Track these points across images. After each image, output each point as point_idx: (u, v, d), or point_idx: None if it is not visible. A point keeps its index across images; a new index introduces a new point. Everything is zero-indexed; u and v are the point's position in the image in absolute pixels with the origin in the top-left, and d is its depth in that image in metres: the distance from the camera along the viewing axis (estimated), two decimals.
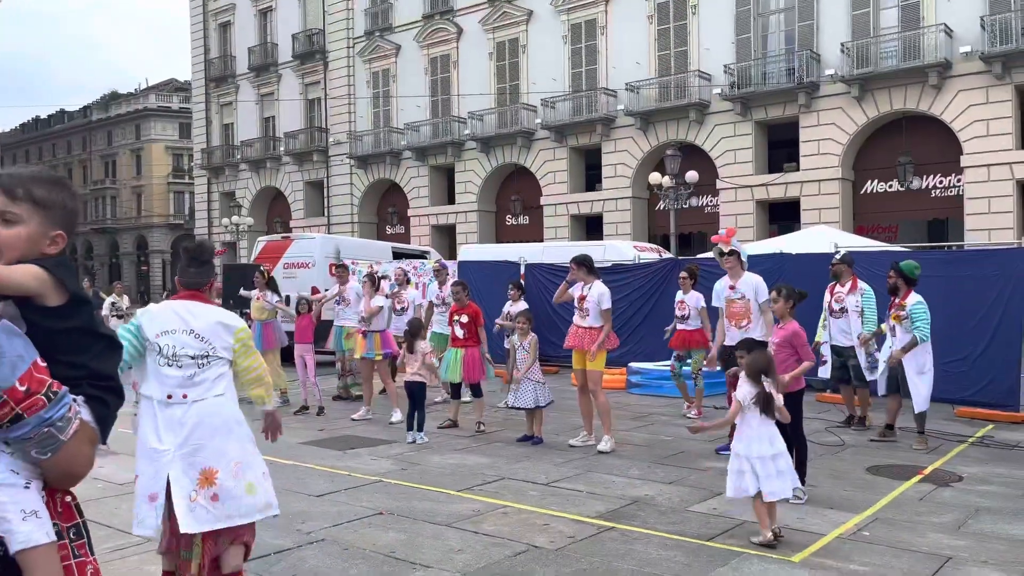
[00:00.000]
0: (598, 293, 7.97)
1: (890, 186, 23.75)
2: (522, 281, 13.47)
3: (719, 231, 8.79)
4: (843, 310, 9.06)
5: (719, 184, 25.60)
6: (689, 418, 9.80)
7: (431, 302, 11.86)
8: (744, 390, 5.16)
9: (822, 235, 14.91)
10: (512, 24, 30.25)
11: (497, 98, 30.66)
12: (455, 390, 9.51)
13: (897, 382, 8.33)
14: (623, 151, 27.76)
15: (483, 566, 4.67)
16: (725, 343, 7.73)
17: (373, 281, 10.25)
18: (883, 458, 7.58)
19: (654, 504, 6.00)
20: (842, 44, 23.13)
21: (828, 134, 23.87)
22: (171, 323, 3.58)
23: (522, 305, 10.61)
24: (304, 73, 37.39)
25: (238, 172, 40.35)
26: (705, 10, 25.76)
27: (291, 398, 11.20)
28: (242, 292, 12.63)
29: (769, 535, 4.95)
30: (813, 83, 23.72)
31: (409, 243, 29.75)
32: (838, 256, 9.52)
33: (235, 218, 35.00)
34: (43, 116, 75.56)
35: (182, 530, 3.40)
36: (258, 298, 11.28)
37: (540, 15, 29.45)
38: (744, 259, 7.86)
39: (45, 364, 1.61)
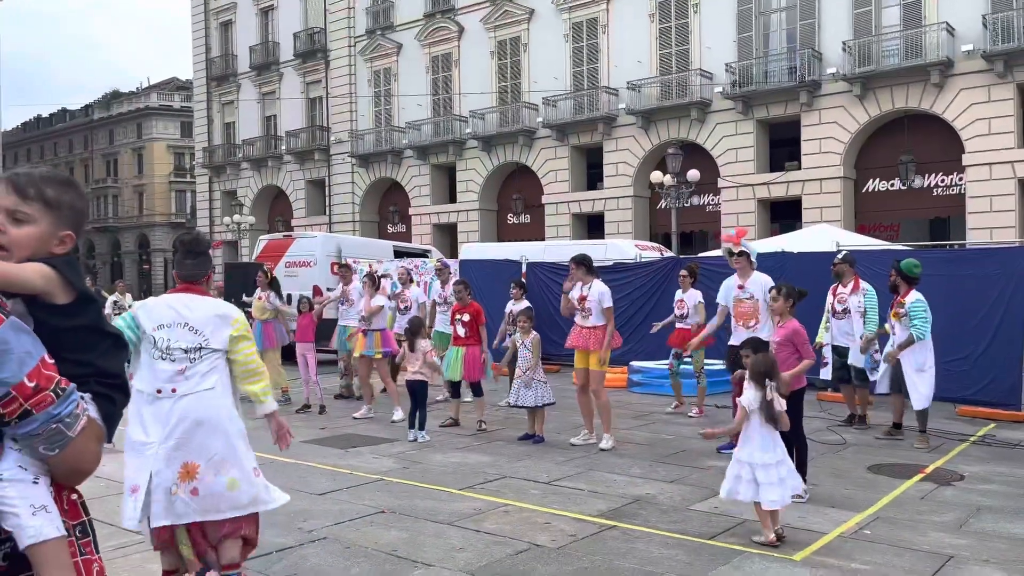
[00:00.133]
0: (599, 292, 7.98)
1: (892, 185, 23.72)
2: (524, 280, 13.46)
3: (723, 230, 8.79)
4: (846, 311, 9.05)
5: (720, 183, 25.58)
6: (691, 417, 9.82)
7: (434, 301, 11.87)
8: (749, 395, 5.16)
9: (824, 234, 14.89)
10: (513, 23, 30.23)
11: (498, 97, 30.64)
12: (454, 389, 9.53)
13: (898, 381, 8.34)
14: (624, 150, 27.74)
15: (484, 564, 4.68)
16: (731, 343, 7.74)
17: (373, 280, 10.27)
18: (884, 457, 7.58)
19: (655, 503, 6.01)
20: (844, 43, 23.10)
21: (830, 133, 23.85)
22: (167, 317, 3.58)
23: (524, 304, 10.62)
24: (305, 72, 37.39)
25: (239, 171, 40.34)
26: (706, 8, 25.74)
27: (293, 396, 11.22)
28: (244, 299, 12.56)
29: (771, 536, 4.96)
30: (815, 82, 23.70)
31: (410, 242, 29.75)
32: (839, 256, 9.51)
33: (237, 217, 35.01)
34: (44, 115, 75.62)
35: (153, 523, 3.41)
36: (260, 298, 11.28)
37: (541, 13, 29.42)
38: (754, 259, 7.89)
39: (53, 361, 1.62)
